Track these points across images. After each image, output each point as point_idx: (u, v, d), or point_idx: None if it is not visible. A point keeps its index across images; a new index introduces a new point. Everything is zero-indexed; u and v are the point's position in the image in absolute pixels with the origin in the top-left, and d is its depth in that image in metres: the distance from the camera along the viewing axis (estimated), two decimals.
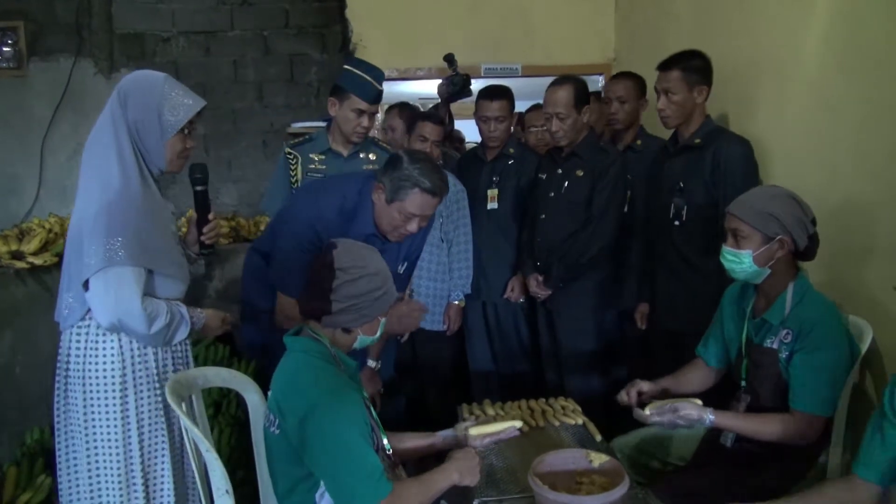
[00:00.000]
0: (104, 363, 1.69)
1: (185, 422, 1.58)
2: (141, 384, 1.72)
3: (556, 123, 2.76)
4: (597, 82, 4.09)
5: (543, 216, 2.90)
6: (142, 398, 1.72)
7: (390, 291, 1.59)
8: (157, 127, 1.69)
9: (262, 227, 3.70)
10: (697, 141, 2.47)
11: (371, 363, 2.47)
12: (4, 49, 4.34)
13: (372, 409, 1.62)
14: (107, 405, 1.69)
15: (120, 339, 1.70)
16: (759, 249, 1.74)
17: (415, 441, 1.80)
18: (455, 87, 3.24)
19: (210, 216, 1.92)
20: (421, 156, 2.08)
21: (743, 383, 1.88)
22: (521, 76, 4.01)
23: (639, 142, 3.02)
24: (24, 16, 4.35)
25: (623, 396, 1.99)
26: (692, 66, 2.45)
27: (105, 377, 1.69)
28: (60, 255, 2.47)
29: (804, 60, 2.31)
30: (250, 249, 2.37)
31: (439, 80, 3.32)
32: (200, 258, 1.96)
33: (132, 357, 1.71)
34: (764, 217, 1.73)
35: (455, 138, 4.46)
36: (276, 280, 2.14)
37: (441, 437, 1.80)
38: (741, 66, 2.67)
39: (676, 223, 2.53)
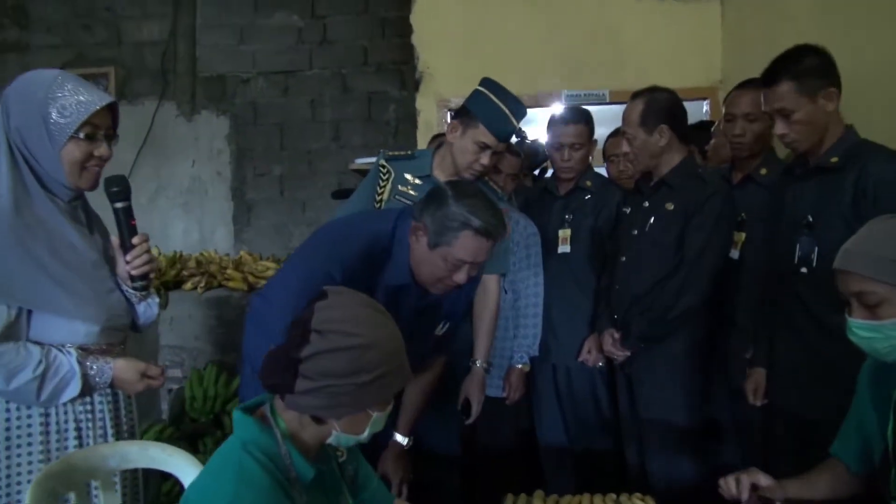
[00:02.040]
0: None
1: None
2: (20, 455, 1.37)
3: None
4: (701, 107, 3.50)
5: (624, 258, 2.36)
6: (20, 473, 1.37)
7: (394, 375, 1.11)
8: (44, 132, 1.38)
9: None
10: (834, 160, 1.85)
11: (400, 439, 2.01)
12: None
13: None
14: None
15: None
16: None
17: None
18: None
19: (135, 240, 1.55)
20: (470, 189, 1.67)
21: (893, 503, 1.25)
22: (610, 103, 3.49)
23: (764, 171, 2.35)
24: (116, 62, 4.48)
25: (731, 487, 1.46)
26: (807, 69, 1.85)
27: None
28: None
29: None
30: (255, 295, 2.00)
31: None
32: (143, 294, 1.61)
33: (9, 420, 1.37)
34: None
35: None
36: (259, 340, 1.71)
37: None
38: (888, 65, 2.05)
39: (803, 270, 1.92)
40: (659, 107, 2.25)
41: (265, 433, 1.09)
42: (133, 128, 4.44)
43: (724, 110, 2.46)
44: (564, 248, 2.58)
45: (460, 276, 1.62)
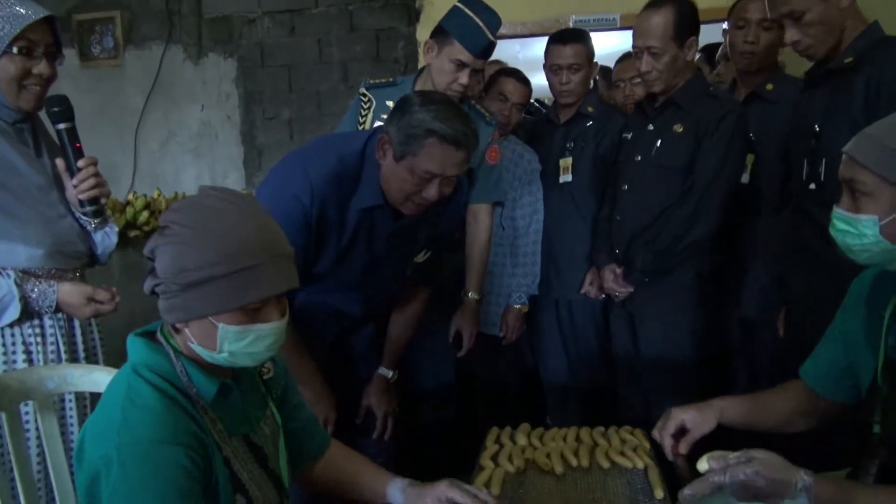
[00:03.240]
0: None
1: None
2: None
3: (646, 61, 2.06)
4: (719, 30, 3.26)
5: (626, 187, 2.23)
6: None
7: (236, 280, 0.93)
8: None
9: None
10: (848, 60, 1.65)
11: (384, 372, 1.96)
12: (105, 39, 4.41)
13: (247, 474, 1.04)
14: None
15: None
16: (893, 214, 1.04)
17: (355, 482, 1.27)
18: None
19: (80, 163, 1.48)
20: (437, 96, 1.59)
21: (877, 428, 1.14)
22: (621, 28, 3.26)
23: (770, 86, 2.19)
24: (121, 5, 4.40)
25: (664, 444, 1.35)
26: None
27: None
28: None
29: None
30: None
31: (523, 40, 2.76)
32: (97, 222, 1.55)
33: None
34: None
35: None
36: None
37: (392, 490, 1.23)
38: None
39: (812, 186, 1.76)
40: (690, 15, 2.06)
41: (156, 352, 1.01)
42: (141, 73, 4.40)
43: (728, 23, 2.29)
44: (566, 178, 2.46)
45: (430, 192, 1.52)
